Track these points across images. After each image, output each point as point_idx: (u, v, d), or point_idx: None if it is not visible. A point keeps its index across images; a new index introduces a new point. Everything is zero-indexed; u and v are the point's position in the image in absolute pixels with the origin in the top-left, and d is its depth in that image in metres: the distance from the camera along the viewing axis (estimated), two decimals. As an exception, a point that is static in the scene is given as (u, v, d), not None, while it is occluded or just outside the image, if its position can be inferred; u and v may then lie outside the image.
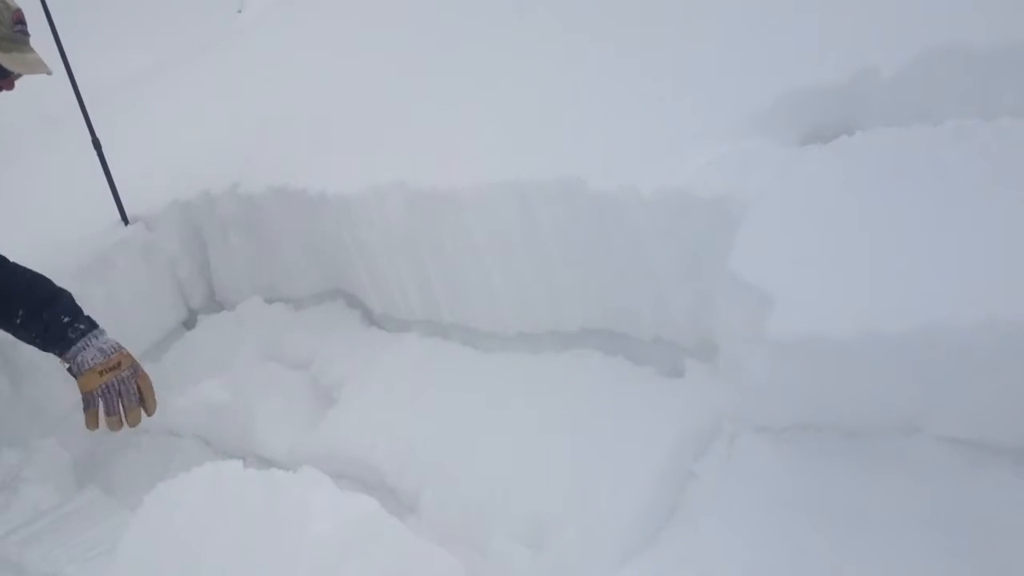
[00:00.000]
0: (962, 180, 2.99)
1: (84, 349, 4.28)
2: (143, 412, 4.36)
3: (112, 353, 4.31)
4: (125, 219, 5.90)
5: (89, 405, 4.25)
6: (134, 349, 5.64)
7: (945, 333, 2.59)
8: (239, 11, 10.62)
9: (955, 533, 2.67)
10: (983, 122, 3.17)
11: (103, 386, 4.23)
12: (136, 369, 4.38)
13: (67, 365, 4.31)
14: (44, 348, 4.39)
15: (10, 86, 4.40)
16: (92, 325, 4.40)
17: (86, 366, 4.23)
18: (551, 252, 4.11)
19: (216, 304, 6.03)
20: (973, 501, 2.69)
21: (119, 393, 4.26)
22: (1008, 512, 2.63)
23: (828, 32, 3.88)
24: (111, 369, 4.27)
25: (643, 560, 3.20)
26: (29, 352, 5.19)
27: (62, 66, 5.74)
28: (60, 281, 5.35)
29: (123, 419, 4.30)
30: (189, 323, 5.99)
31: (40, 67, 4.35)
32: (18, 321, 4.35)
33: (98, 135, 5.86)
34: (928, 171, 3.08)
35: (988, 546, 2.61)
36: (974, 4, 3.58)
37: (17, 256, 5.68)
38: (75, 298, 5.22)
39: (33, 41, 4.30)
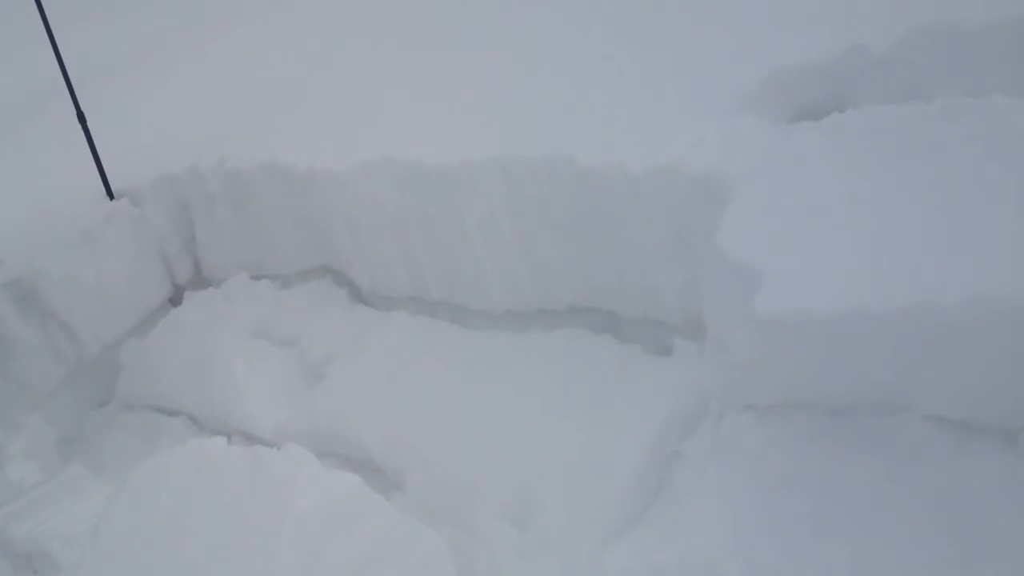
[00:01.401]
0: (951, 159, 2.98)
1: None
2: None
3: None
4: (110, 194, 5.85)
5: None
6: (120, 326, 5.66)
7: (932, 312, 2.58)
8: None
9: (940, 511, 2.67)
10: (973, 100, 3.16)
11: None
12: None
13: None
14: None
15: None
16: None
17: None
18: (538, 229, 4.10)
19: (202, 280, 5.98)
20: (958, 480, 2.69)
21: None
22: (993, 491, 2.63)
23: (817, 10, 3.86)
24: None
25: (629, 538, 3.20)
26: (15, 328, 5.19)
27: (48, 41, 5.68)
28: (45, 256, 5.34)
29: None
30: (175, 299, 5.95)
31: None
32: None
33: (83, 109, 5.81)
34: (918, 149, 3.07)
35: (973, 524, 2.61)
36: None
37: (1, 231, 5.67)
38: (61, 274, 5.20)
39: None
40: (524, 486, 3.59)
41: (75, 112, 5.78)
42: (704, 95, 3.82)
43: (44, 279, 5.26)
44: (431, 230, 4.51)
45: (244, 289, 5.54)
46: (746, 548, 2.87)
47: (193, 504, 3.23)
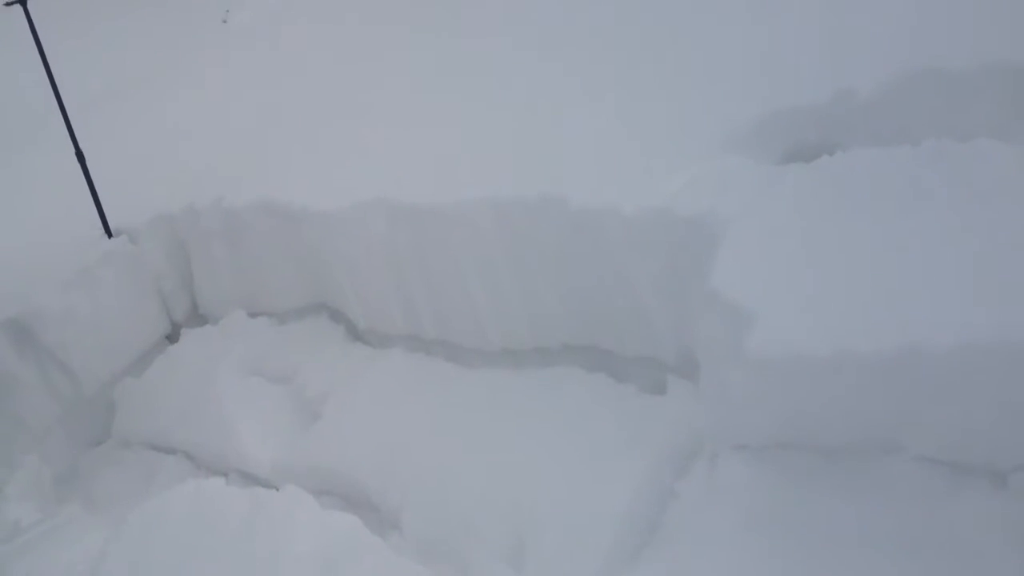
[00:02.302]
0: (939, 201, 3.03)
1: None
2: None
3: None
4: (109, 232, 5.89)
5: None
6: (116, 363, 5.68)
7: (921, 354, 2.62)
8: (224, 22, 10.61)
9: (931, 553, 2.68)
10: (960, 143, 3.21)
11: None
12: None
13: None
14: None
15: None
16: None
17: None
18: (532, 268, 4.14)
19: (200, 318, 6.02)
20: (949, 521, 2.71)
21: None
22: (984, 533, 2.65)
23: (805, 54, 3.92)
24: None
25: (624, 578, 3.21)
26: (11, 366, 5.20)
27: (43, 73, 5.74)
28: (43, 294, 5.36)
29: None
30: (172, 337, 5.98)
31: None
32: None
33: (81, 146, 5.86)
34: (907, 192, 3.12)
35: (965, 565, 2.63)
36: (948, 26, 3.62)
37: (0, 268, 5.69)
38: (59, 312, 5.21)
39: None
40: (520, 525, 3.60)
41: (74, 151, 5.83)
42: (695, 136, 3.87)
43: (41, 317, 5.28)
44: (426, 269, 4.55)
45: (241, 326, 5.57)
46: (740, 588, 2.89)
47: (192, 545, 3.23)
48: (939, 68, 3.46)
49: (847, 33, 3.90)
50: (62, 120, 5.86)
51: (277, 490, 3.52)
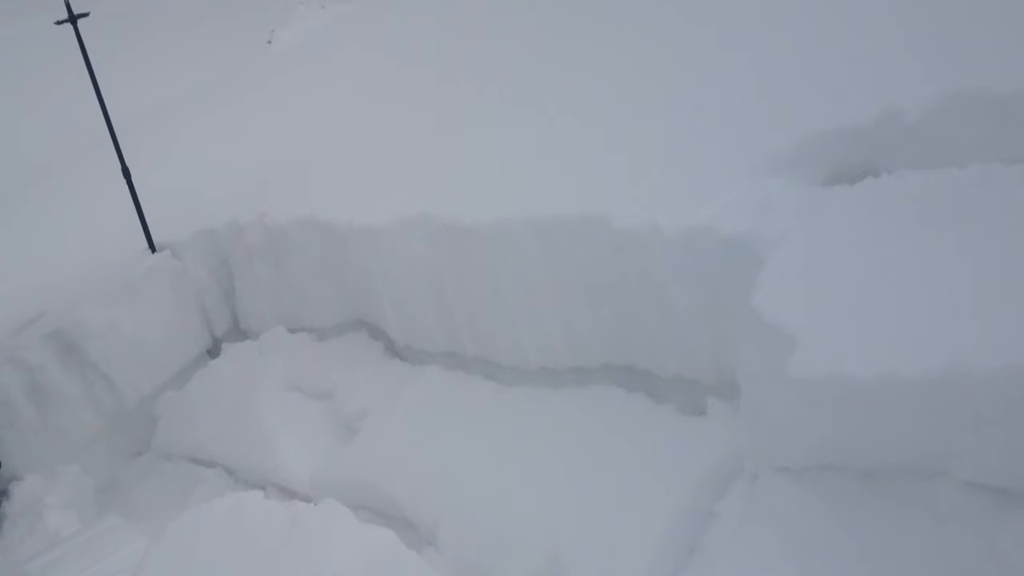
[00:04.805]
0: (986, 225, 2.98)
1: None
2: None
3: None
4: (152, 247, 5.97)
5: None
6: (158, 377, 5.75)
7: (966, 377, 2.58)
8: (269, 42, 10.75)
9: (977, 579, 2.65)
10: (1007, 166, 3.17)
11: None
12: None
13: None
14: None
15: None
16: None
17: None
18: (572, 288, 4.13)
19: (240, 332, 6.08)
20: (996, 548, 2.66)
21: None
22: (1031, 559, 2.61)
23: (851, 75, 3.89)
24: None
25: (662, 599, 3.19)
26: (55, 378, 5.28)
27: (94, 95, 5.84)
28: (88, 308, 5.44)
29: None
30: (213, 351, 6.04)
31: None
32: None
33: (127, 163, 5.95)
34: (952, 215, 3.08)
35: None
36: (995, 48, 3.58)
37: (45, 282, 5.78)
38: (103, 325, 5.28)
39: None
40: (556, 544, 3.58)
41: (120, 167, 5.92)
42: (738, 157, 3.85)
43: (85, 330, 5.37)
44: (466, 287, 4.56)
45: (281, 342, 5.62)
46: (780, 612, 2.85)
47: (230, 558, 3.24)
48: (986, 90, 3.41)
49: (892, 54, 3.87)
50: (108, 140, 5.96)
51: (315, 504, 3.53)
